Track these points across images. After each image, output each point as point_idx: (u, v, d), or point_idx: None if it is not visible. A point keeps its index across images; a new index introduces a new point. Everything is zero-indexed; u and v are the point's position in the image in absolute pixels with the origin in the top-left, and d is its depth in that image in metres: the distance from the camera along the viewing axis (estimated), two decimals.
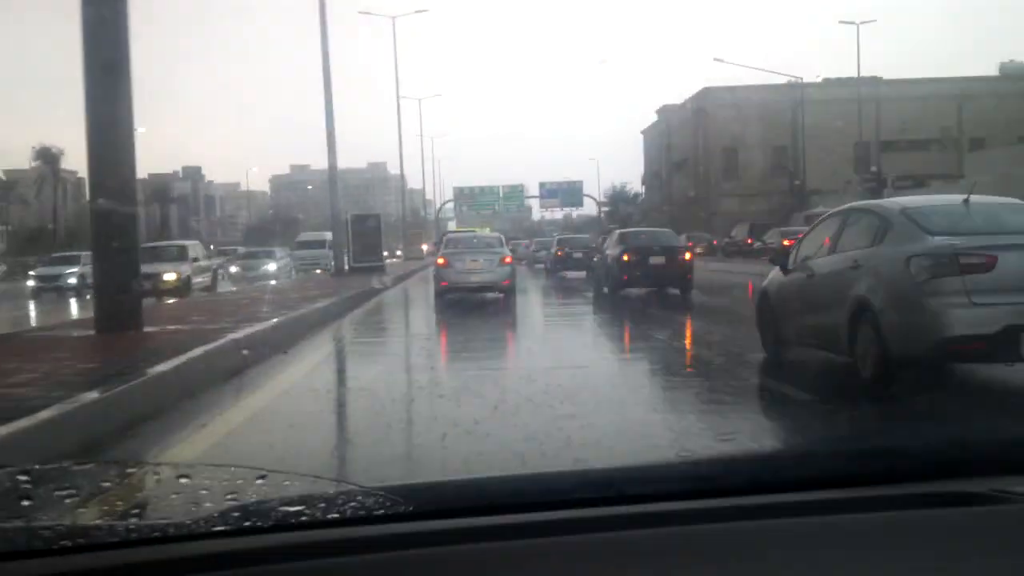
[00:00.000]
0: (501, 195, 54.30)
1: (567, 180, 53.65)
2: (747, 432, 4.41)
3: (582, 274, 21.07)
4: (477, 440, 4.01)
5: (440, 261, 14.77)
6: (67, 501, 1.28)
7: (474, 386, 5.93)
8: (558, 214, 66.11)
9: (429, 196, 69.35)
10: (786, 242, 17.38)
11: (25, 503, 1.21)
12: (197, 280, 19.29)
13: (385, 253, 35.24)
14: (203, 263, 20.91)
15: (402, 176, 48.21)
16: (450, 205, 57.63)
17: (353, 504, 1.20)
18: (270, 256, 29.80)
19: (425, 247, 48.03)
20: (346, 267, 24.27)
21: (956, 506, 1.20)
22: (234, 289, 20.25)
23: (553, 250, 24.90)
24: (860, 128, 33.99)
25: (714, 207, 46.26)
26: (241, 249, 38.66)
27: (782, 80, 40.77)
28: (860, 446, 1.58)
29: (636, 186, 63.61)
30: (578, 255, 22.62)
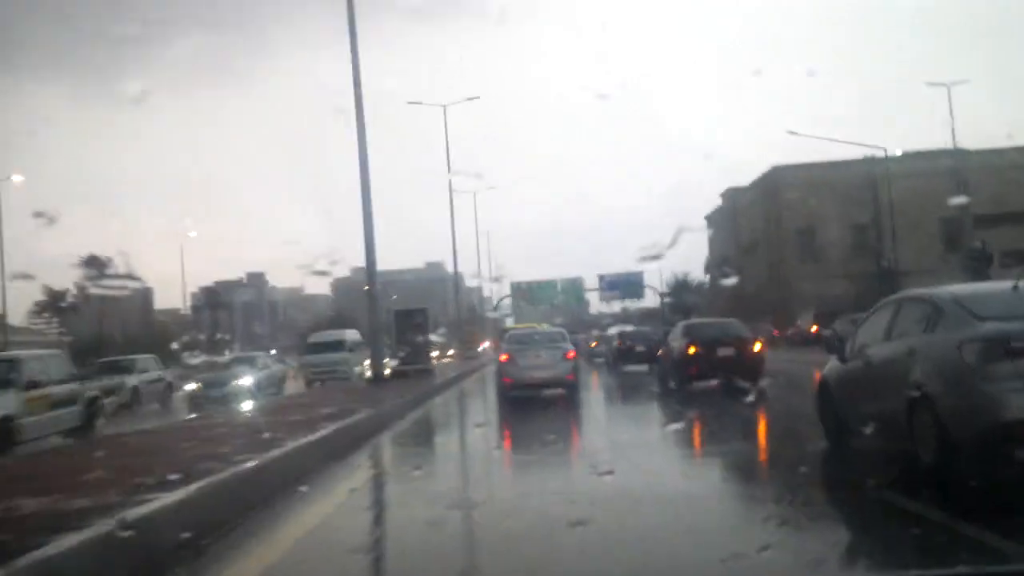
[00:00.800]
0: (559, 289, 54.88)
1: (626, 271, 53.72)
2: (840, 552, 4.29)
3: (644, 368, 21.35)
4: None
5: (503, 357, 15.35)
6: None
7: (538, 506, 5.66)
8: (617, 307, 66.20)
9: (486, 293, 70.98)
10: None
11: None
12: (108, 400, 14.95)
13: (436, 352, 35.42)
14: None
15: (455, 270, 49.03)
16: (507, 301, 58.48)
17: None
18: (248, 365, 22.08)
19: (483, 345, 48.04)
20: (387, 370, 21.05)
21: None
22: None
23: (614, 343, 25.26)
24: (946, 202, 33.24)
25: (791, 293, 45.52)
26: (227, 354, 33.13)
27: (857, 153, 39.83)
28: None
29: (699, 275, 63.38)
30: (640, 348, 23.05)
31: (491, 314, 61.17)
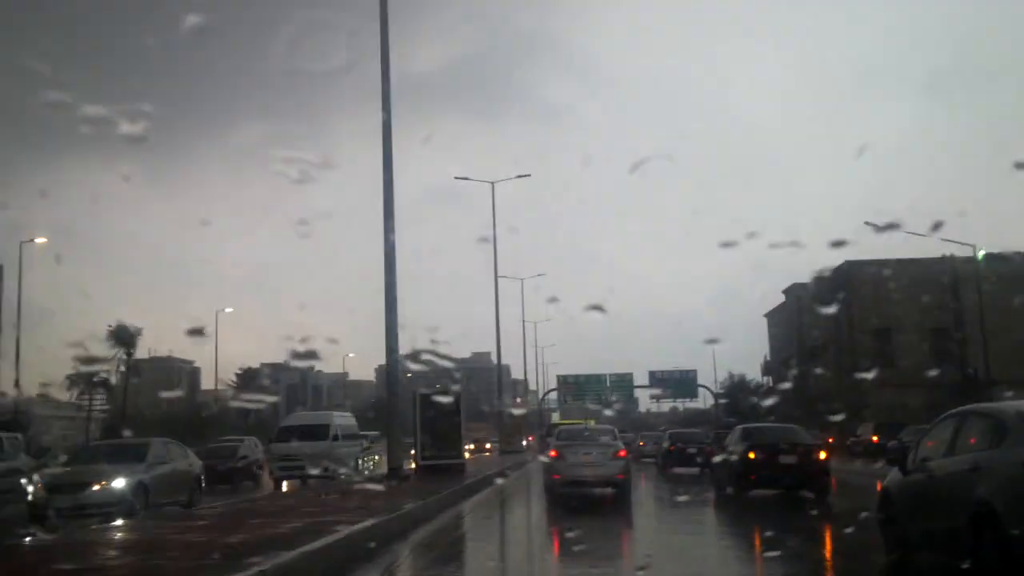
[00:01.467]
0: (608, 384, 54.01)
1: (679, 369, 53.16)
2: None
3: (694, 471, 21.40)
4: None
5: (552, 453, 15.43)
6: None
7: None
8: (665, 406, 65.15)
9: (532, 386, 70.41)
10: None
11: None
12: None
13: (471, 445, 35.24)
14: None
15: (499, 357, 45.59)
16: (553, 395, 58.34)
17: None
18: (120, 460, 13.50)
19: (527, 440, 46.81)
20: (410, 465, 19.14)
21: None
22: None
23: (665, 444, 25.34)
24: None
25: (860, 399, 43.41)
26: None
27: (936, 251, 39.57)
28: None
29: (755, 375, 61.98)
30: (692, 450, 23.25)
31: (533, 407, 60.40)
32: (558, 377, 56.32)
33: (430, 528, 10.62)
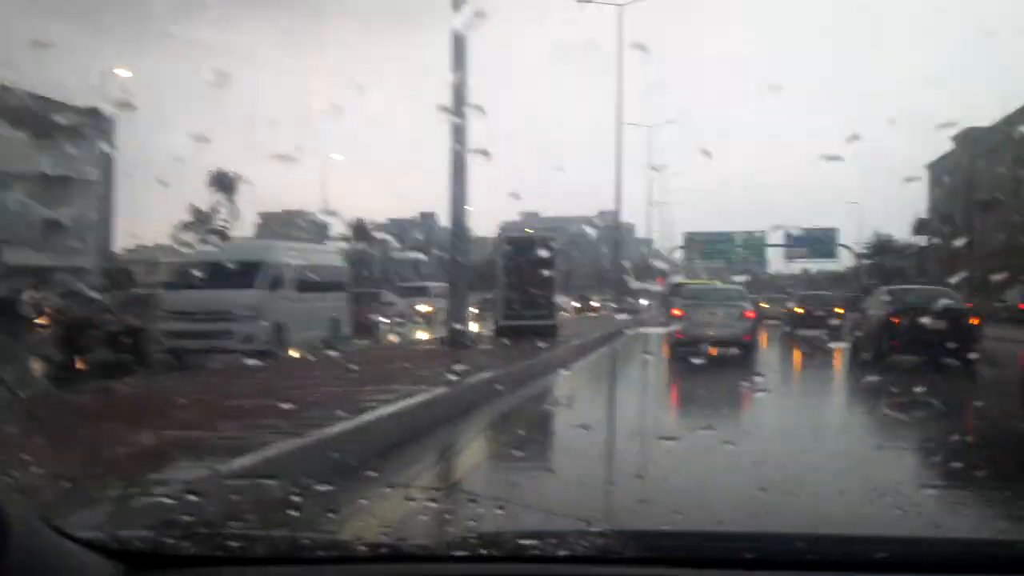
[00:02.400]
0: (738, 243, 51.29)
1: (817, 227, 49.39)
2: None
3: (821, 332, 20.84)
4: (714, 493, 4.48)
5: (676, 312, 15.34)
6: (328, 515, 1.64)
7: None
8: (796, 268, 61.93)
9: (657, 245, 68.92)
10: None
11: (292, 514, 1.50)
12: None
13: (576, 304, 36.16)
14: None
15: (618, 206, 45.93)
16: (678, 253, 55.76)
17: (584, 543, 1.31)
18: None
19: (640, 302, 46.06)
20: (480, 328, 16.89)
21: None
22: None
23: (792, 306, 25.57)
24: None
25: None
26: None
27: None
28: None
29: (904, 236, 56.58)
30: (819, 313, 22.87)
31: (658, 264, 58.82)
32: (684, 235, 53.41)
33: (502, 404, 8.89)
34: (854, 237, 54.97)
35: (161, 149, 52.56)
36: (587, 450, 7.09)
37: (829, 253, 51.03)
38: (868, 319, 14.71)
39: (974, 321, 13.63)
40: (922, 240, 54.22)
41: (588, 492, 5.13)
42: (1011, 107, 42.95)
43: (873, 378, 12.90)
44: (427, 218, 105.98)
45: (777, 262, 57.31)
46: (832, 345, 17.61)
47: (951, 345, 13.12)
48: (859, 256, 52.79)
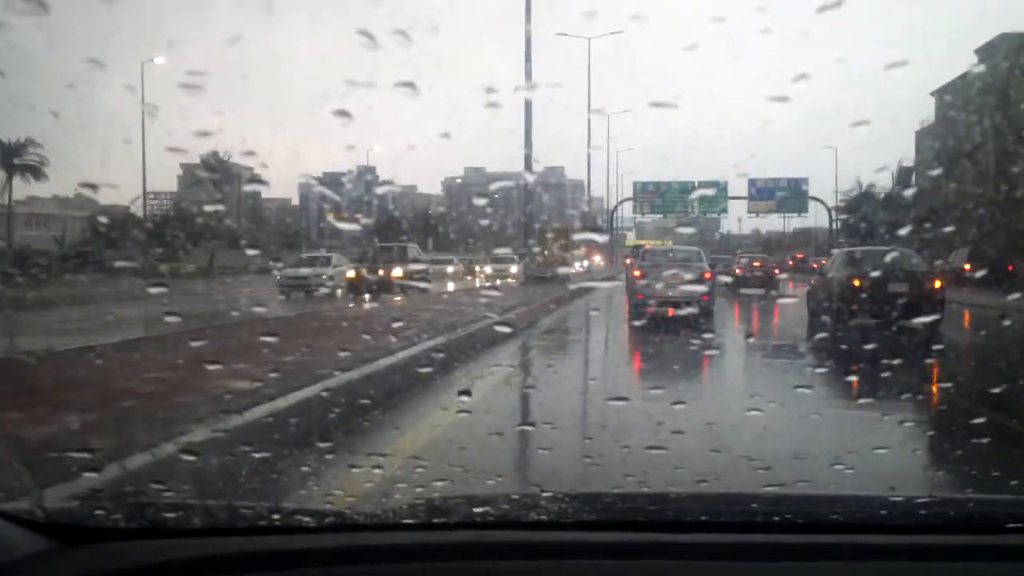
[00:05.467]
0: (695, 194, 46.84)
1: (785, 177, 45.84)
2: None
3: (759, 291, 24.49)
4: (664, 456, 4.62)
5: (636, 273, 15.96)
6: (270, 484, 1.63)
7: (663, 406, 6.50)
8: (747, 228, 60.82)
9: (609, 204, 67.75)
10: None
11: (233, 482, 1.47)
12: None
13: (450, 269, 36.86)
14: None
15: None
16: (629, 215, 52.66)
17: (537, 508, 1.34)
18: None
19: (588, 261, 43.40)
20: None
21: None
22: None
23: (736, 267, 28.75)
24: None
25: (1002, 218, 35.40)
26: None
27: None
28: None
29: (885, 185, 51.36)
30: (759, 273, 26.76)
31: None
32: (635, 184, 48.46)
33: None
34: (832, 189, 50.97)
35: None
36: (537, 412, 7.23)
37: (799, 207, 47.26)
38: (828, 281, 15.06)
39: (937, 284, 14.04)
40: (899, 190, 49.70)
41: (539, 456, 5.21)
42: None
43: (829, 340, 13.37)
44: (365, 172, 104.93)
45: (742, 215, 54.03)
46: (775, 299, 20.92)
47: (914, 308, 13.59)
48: (835, 210, 48.60)
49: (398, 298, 19.69)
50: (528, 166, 24.02)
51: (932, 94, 48.76)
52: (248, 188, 65.74)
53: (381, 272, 22.92)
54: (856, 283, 13.99)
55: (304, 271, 25.93)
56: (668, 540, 1.28)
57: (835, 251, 17.55)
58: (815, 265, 19.10)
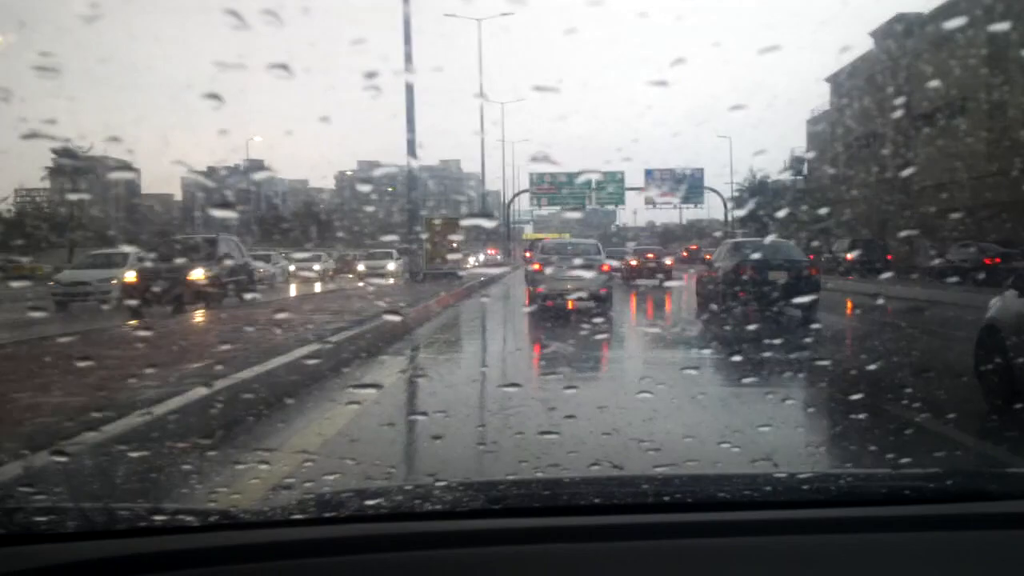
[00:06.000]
0: (593, 185, 46.26)
1: (682, 168, 46.09)
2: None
3: (654, 282, 26.11)
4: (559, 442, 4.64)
5: (536, 267, 16.08)
6: (150, 483, 1.49)
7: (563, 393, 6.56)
8: (642, 220, 62.32)
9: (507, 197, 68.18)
10: None
11: (110, 483, 1.39)
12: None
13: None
14: None
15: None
16: (528, 208, 53.44)
17: (432, 498, 1.34)
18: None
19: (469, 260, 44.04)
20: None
21: (996, 528, 1.38)
22: None
23: (629, 260, 28.98)
24: None
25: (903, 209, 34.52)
26: None
27: None
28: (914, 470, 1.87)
29: (775, 175, 52.32)
30: (651, 265, 27.77)
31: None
32: (531, 176, 48.38)
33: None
34: (728, 181, 51.86)
35: None
36: (428, 401, 7.15)
37: (695, 197, 47.53)
38: (716, 270, 15.71)
39: (813, 272, 14.90)
40: (797, 179, 50.50)
41: (433, 446, 5.15)
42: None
43: (715, 324, 13.94)
44: (254, 166, 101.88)
45: (641, 207, 55.39)
46: (666, 287, 22.34)
47: (792, 294, 14.42)
48: (731, 200, 49.19)
49: (195, 314, 14.44)
50: (411, 151, 22.13)
51: (827, 80, 49.01)
52: (115, 177, 62.52)
53: (170, 275, 16.09)
54: (740, 271, 14.67)
55: (88, 275, 19.72)
56: (562, 524, 1.30)
57: (724, 242, 18.28)
58: (708, 256, 19.80)
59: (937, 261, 27.58)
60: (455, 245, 25.36)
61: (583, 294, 15.69)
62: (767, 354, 8.77)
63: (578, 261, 16.03)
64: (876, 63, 40.13)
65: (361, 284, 26.21)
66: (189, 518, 1.28)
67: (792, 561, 1.24)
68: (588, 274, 15.52)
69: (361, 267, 32.79)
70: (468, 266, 35.39)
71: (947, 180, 33.36)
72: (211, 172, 78.03)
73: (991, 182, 29.76)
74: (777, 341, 10.64)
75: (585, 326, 13.26)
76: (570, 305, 15.71)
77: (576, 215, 52.56)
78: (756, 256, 15.27)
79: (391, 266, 30.96)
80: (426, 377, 8.37)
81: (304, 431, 5.57)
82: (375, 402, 6.70)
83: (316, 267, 33.48)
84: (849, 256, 31.14)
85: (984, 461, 4.79)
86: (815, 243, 33.06)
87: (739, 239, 19.34)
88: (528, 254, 36.97)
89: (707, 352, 10.77)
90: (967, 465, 4.47)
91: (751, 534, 1.30)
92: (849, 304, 18.54)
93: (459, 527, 1.27)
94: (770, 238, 19.64)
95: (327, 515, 1.29)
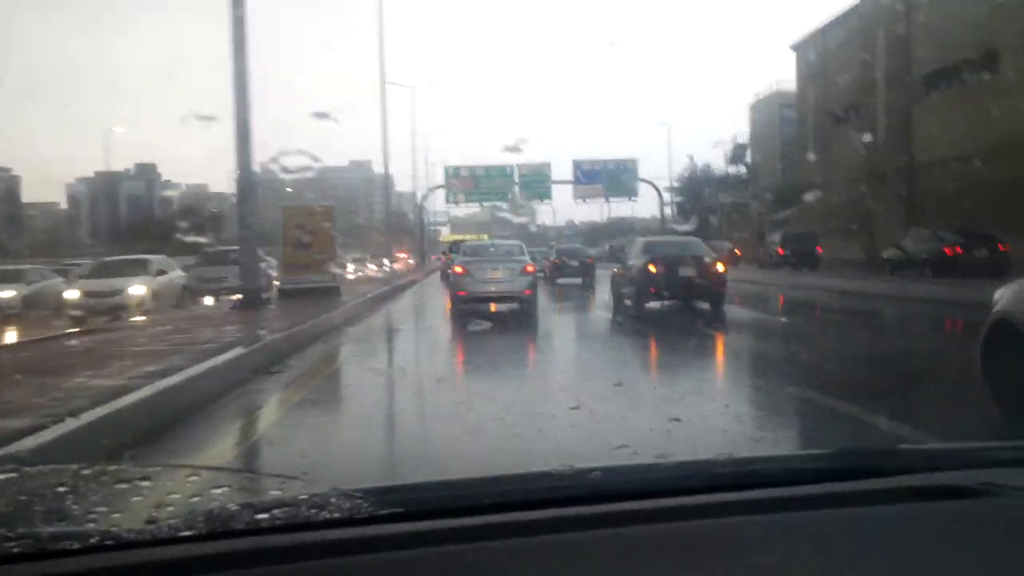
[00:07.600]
0: (516, 178, 42.96)
1: (613, 159, 43.35)
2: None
3: (578, 280, 26.35)
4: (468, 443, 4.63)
5: (458, 270, 15.91)
6: (24, 508, 1.37)
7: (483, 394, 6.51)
8: (562, 220, 62.58)
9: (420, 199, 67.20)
10: None
11: None
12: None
13: (352, 266, 32.73)
14: None
15: (386, 172, 41.15)
16: (443, 208, 51.13)
17: (329, 507, 1.32)
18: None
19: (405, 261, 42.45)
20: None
21: (946, 499, 1.42)
22: None
23: (552, 258, 29.46)
24: None
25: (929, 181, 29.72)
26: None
27: None
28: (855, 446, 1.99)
29: (718, 166, 50.06)
30: (573, 263, 27.85)
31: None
32: (446, 169, 44.07)
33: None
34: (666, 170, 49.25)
35: None
36: (336, 405, 7.01)
37: (629, 191, 44.34)
38: (629, 268, 16.05)
39: (719, 268, 15.40)
40: (740, 170, 47.98)
41: (336, 454, 5.04)
42: None
43: (631, 319, 14.26)
44: (145, 170, 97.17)
45: (568, 204, 54.49)
46: (585, 290, 22.54)
47: (701, 289, 14.90)
48: (669, 191, 47.06)
49: None
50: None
51: (793, 48, 44.84)
52: None
53: None
54: (651, 268, 15.02)
55: None
56: (463, 524, 1.31)
57: (635, 240, 18.63)
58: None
59: (888, 252, 26.08)
60: (330, 245, 19.07)
61: (507, 297, 15.71)
62: (683, 347, 8.98)
63: (501, 263, 15.91)
64: (866, 18, 34.56)
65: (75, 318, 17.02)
66: (67, 542, 1.23)
67: (693, 548, 1.26)
68: (512, 276, 15.49)
69: (74, 293, 18.20)
70: (354, 273, 31.82)
71: (960, 154, 26.74)
72: (102, 178, 74.56)
73: None
74: (692, 335, 10.98)
75: (505, 327, 13.32)
76: (493, 308, 15.77)
77: (500, 215, 50.47)
78: (666, 254, 15.64)
79: (135, 288, 18.11)
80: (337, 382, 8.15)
81: (203, 441, 5.37)
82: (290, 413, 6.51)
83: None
84: (781, 250, 31.64)
85: (884, 440, 4.98)
86: (772, 237, 33.13)
87: (649, 237, 19.73)
88: (446, 257, 35.90)
89: (623, 345, 10.97)
90: (866, 446, 4.66)
91: (644, 523, 1.32)
92: (782, 299, 19.37)
93: (357, 534, 1.26)
94: (681, 234, 20.20)
95: (217, 530, 1.26)
